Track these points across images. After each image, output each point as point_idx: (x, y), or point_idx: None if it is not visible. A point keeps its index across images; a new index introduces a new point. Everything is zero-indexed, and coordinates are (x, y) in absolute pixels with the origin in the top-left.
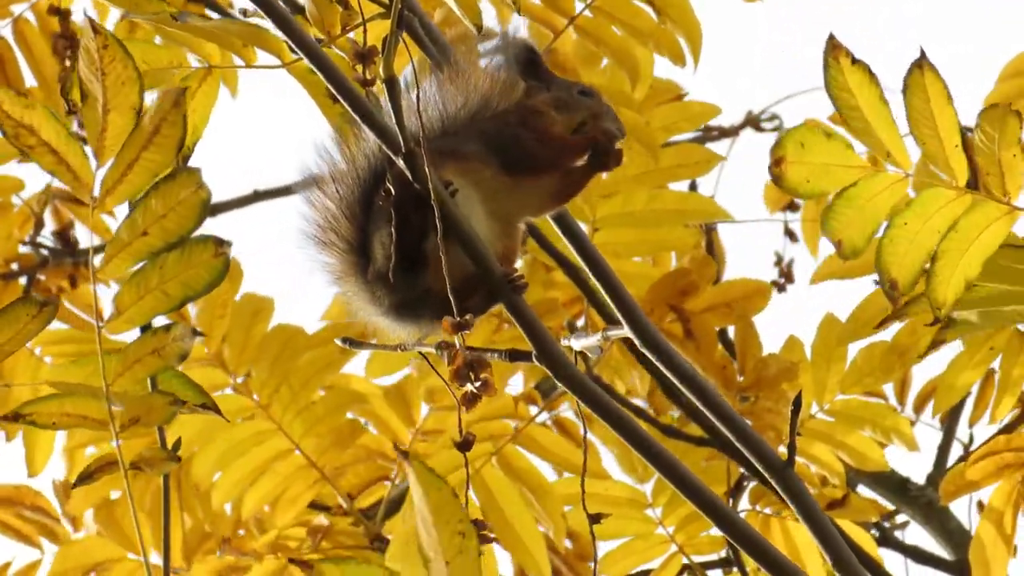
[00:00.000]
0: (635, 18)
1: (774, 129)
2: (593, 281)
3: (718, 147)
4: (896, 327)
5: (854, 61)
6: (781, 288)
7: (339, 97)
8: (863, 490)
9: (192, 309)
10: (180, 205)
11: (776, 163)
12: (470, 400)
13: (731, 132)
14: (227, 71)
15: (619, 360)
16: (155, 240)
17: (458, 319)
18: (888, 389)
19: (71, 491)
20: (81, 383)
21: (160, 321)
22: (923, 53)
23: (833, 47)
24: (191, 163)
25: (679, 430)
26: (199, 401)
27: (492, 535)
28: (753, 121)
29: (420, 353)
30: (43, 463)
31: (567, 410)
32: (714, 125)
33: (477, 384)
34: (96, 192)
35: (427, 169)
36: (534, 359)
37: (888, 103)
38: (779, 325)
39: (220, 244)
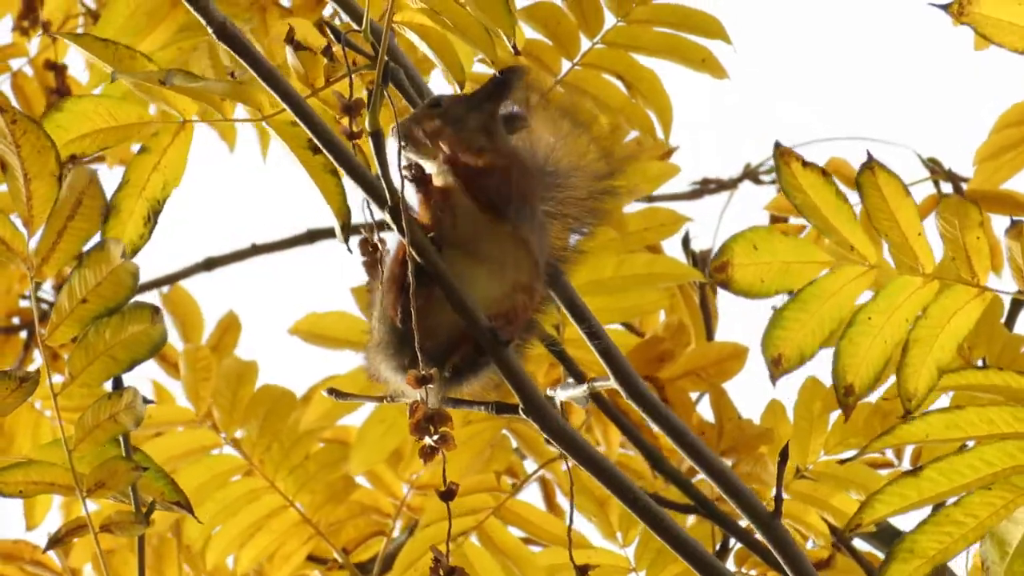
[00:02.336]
0: (607, 94)
1: (772, 181)
2: (581, 344)
3: (717, 200)
4: (882, 387)
5: (804, 164)
6: None
7: (324, 149)
8: (857, 542)
9: (168, 380)
10: (112, 274)
11: (719, 269)
12: (428, 453)
13: (729, 185)
14: (224, 126)
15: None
16: (95, 307)
17: (421, 372)
18: None
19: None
20: (41, 452)
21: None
22: (870, 156)
23: (782, 153)
24: (161, 218)
25: (662, 497)
26: (175, 499)
27: None
28: (752, 174)
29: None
30: (42, 516)
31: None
32: (712, 178)
33: (435, 438)
34: (32, 261)
35: (409, 222)
36: (521, 412)
37: (846, 199)
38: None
39: (155, 311)
